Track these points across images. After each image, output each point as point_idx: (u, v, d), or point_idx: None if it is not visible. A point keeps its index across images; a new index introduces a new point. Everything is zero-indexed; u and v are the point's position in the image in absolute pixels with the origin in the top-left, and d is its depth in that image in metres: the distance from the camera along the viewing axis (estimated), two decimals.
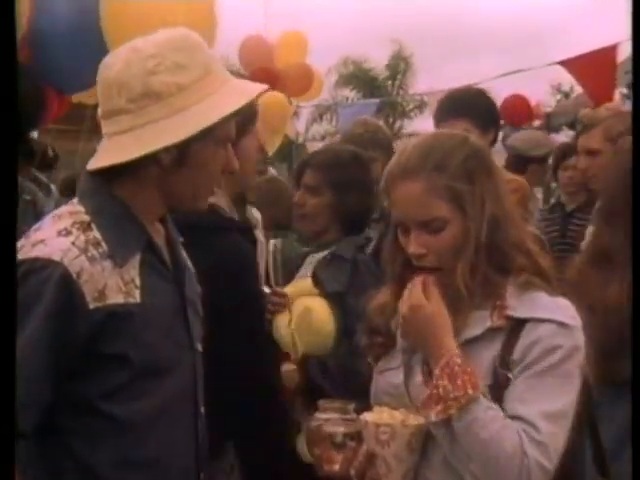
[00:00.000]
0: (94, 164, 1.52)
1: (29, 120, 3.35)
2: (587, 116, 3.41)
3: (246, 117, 2.13)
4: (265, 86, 1.60)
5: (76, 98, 4.06)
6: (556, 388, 1.44)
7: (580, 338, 1.49)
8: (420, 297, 1.48)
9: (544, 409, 1.42)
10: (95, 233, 1.46)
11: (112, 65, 1.50)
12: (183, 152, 1.49)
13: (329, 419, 1.50)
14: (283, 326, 2.49)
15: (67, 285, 1.39)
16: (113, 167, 1.49)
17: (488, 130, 2.99)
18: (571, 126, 7.63)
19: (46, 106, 3.63)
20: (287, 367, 2.56)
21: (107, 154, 1.51)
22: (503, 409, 1.43)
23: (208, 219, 2.01)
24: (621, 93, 6.23)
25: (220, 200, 2.13)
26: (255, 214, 4.38)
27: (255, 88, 1.58)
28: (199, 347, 1.65)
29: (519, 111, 8.75)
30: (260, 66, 7.74)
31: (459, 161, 1.53)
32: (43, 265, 1.39)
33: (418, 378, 1.54)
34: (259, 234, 3.96)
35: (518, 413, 1.42)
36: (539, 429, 1.40)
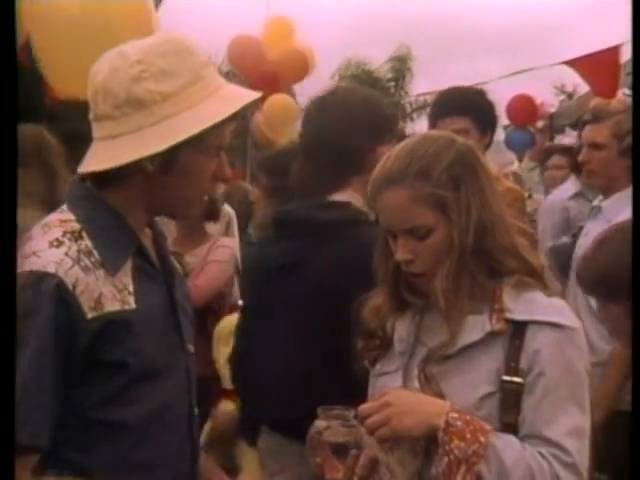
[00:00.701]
0: (80, 168, 1.51)
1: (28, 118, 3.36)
2: (598, 107, 3.28)
3: (380, 126, 2.07)
4: (258, 94, 1.56)
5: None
6: (572, 398, 1.43)
7: (582, 339, 1.48)
8: (381, 398, 1.45)
9: (568, 426, 1.41)
10: (86, 242, 1.44)
11: (99, 71, 1.49)
12: (169, 161, 1.46)
13: (329, 427, 1.48)
14: (223, 360, 2.45)
15: (64, 297, 1.37)
16: (100, 173, 1.48)
17: (486, 132, 2.95)
18: (574, 127, 7.61)
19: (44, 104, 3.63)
20: (225, 407, 2.47)
21: (90, 160, 1.49)
22: (522, 421, 1.43)
23: (337, 213, 2.00)
24: (624, 94, 6.20)
25: (352, 198, 2.06)
26: (230, 210, 4.54)
27: (245, 96, 1.53)
28: (191, 349, 1.64)
29: (525, 111, 8.71)
30: (258, 71, 7.69)
31: (443, 167, 1.50)
32: (38, 278, 1.37)
33: (416, 383, 1.52)
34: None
35: (544, 435, 1.41)
36: (568, 451, 1.40)
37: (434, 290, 1.50)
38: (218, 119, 1.45)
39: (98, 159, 1.48)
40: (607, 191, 3.10)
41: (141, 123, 1.44)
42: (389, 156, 1.57)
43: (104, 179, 1.49)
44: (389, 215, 1.55)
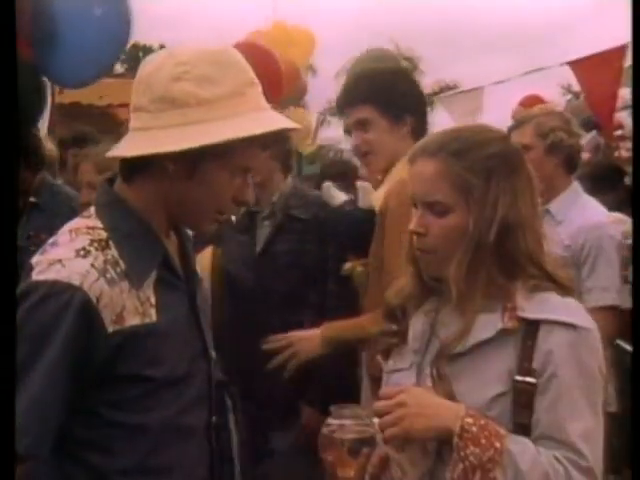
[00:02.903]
0: (109, 153, 1.53)
1: (30, 117, 3.31)
2: (519, 113, 3.30)
3: None
4: (295, 124, 1.55)
5: (87, 99, 4.05)
6: (586, 399, 1.43)
7: (596, 339, 1.48)
8: (396, 395, 1.45)
9: (583, 429, 1.41)
10: (113, 251, 1.44)
11: (147, 65, 1.50)
12: (192, 166, 1.46)
13: (342, 425, 1.48)
14: None
15: (87, 311, 1.37)
16: (124, 168, 1.50)
17: (401, 119, 2.53)
18: (582, 127, 7.58)
19: (46, 102, 3.59)
20: None
21: (117, 148, 1.51)
22: (535, 422, 1.42)
23: None
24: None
25: None
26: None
27: (280, 122, 1.52)
28: (213, 354, 1.63)
29: None
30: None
31: (482, 156, 1.51)
32: (62, 289, 1.36)
33: (429, 381, 1.52)
34: None
35: (559, 438, 1.40)
36: (583, 454, 1.39)
37: (446, 278, 1.50)
38: (241, 135, 1.43)
39: (124, 148, 1.49)
40: (545, 193, 2.97)
41: (171, 121, 1.44)
42: (437, 131, 1.59)
43: (129, 172, 1.50)
44: (416, 184, 1.55)
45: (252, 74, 1.51)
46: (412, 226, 1.54)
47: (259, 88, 1.52)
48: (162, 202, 1.51)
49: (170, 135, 1.43)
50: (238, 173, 1.51)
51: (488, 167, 1.50)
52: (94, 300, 1.37)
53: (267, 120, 1.49)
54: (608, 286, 2.89)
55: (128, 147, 1.48)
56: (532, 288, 1.50)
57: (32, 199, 3.54)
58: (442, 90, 25.79)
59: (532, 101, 8.51)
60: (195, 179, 1.47)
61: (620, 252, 3.01)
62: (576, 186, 3.12)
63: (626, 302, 3.00)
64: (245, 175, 1.53)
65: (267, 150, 1.62)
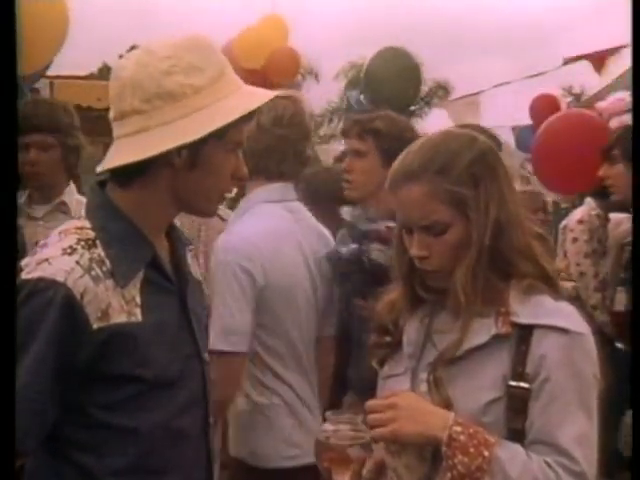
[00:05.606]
0: (105, 165, 1.50)
1: None
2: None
3: None
4: (277, 92, 1.58)
5: (85, 102, 4.02)
6: (579, 403, 1.42)
7: (590, 345, 1.47)
8: (389, 397, 1.46)
9: (576, 433, 1.40)
10: (100, 250, 1.44)
11: (125, 67, 1.49)
12: (195, 154, 1.47)
13: (338, 430, 1.48)
14: None
15: (71, 307, 1.37)
16: (121, 174, 1.49)
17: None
18: None
19: None
20: None
21: (118, 156, 1.48)
22: (529, 427, 1.41)
23: None
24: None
25: None
26: None
27: (266, 94, 1.55)
28: (206, 357, 1.63)
29: (548, 112, 8.41)
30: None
31: (464, 165, 1.50)
32: (46, 286, 1.37)
33: (424, 386, 1.51)
34: None
35: (552, 442, 1.40)
36: (575, 459, 1.38)
37: (453, 286, 1.49)
38: (246, 110, 1.47)
39: (127, 154, 1.46)
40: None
41: (173, 115, 1.44)
42: (409, 151, 1.57)
43: (128, 177, 1.49)
44: (406, 210, 1.54)
45: (222, 54, 1.54)
46: (414, 251, 1.52)
47: (230, 66, 1.55)
48: (164, 199, 1.51)
49: (178, 128, 1.44)
50: (231, 150, 1.53)
51: (473, 173, 1.50)
52: (78, 296, 1.38)
53: (254, 94, 1.53)
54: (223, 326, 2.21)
55: (132, 152, 1.45)
56: (526, 289, 1.50)
57: None
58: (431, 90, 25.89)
59: (545, 101, 8.42)
60: (199, 166, 1.48)
61: None
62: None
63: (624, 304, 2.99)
64: (236, 150, 1.55)
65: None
